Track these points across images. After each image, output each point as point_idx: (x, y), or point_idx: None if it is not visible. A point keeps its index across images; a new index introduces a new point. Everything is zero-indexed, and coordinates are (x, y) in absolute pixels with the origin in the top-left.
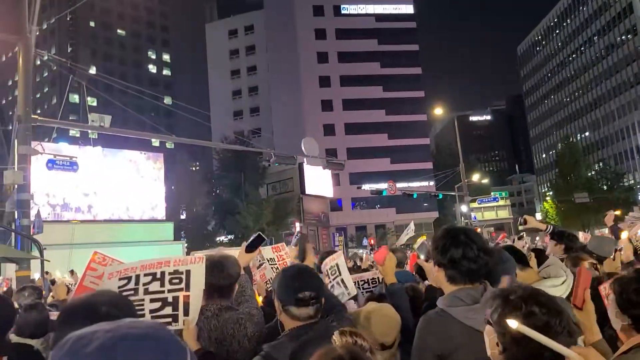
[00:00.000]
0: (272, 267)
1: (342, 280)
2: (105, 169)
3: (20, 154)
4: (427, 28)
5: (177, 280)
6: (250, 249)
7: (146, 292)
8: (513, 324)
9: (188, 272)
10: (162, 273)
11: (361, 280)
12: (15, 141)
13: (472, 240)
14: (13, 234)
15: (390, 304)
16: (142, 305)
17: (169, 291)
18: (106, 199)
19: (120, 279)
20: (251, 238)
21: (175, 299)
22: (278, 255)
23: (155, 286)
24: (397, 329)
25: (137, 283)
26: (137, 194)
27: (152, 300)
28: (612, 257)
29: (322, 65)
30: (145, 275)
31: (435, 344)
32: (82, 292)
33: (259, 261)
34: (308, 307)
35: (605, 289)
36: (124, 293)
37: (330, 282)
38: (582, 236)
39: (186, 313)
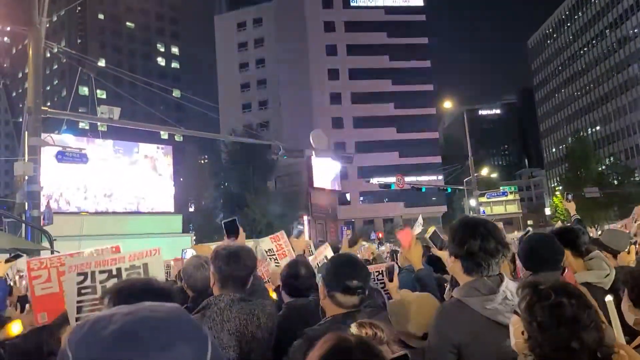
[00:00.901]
0: (270, 258)
1: None
2: (114, 162)
3: (30, 146)
4: (436, 21)
5: (135, 275)
6: (232, 234)
7: (104, 290)
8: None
9: (145, 265)
10: (118, 269)
11: (376, 272)
12: (26, 133)
13: (491, 233)
14: (24, 225)
15: (420, 290)
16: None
17: None
18: (115, 192)
19: (78, 274)
20: (225, 222)
21: None
22: (277, 245)
23: (112, 283)
24: None
25: (93, 280)
26: (146, 186)
27: None
28: (627, 250)
29: (331, 57)
30: (100, 272)
31: (452, 333)
32: (39, 303)
33: (266, 258)
34: (354, 296)
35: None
36: (83, 291)
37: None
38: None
39: None
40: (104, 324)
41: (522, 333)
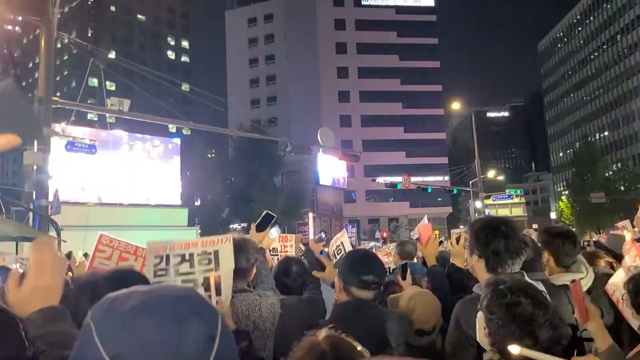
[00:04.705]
0: (273, 257)
1: None
2: (124, 153)
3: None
4: (447, 21)
5: (206, 261)
6: (261, 227)
7: (177, 273)
8: (515, 349)
9: (216, 252)
10: (191, 254)
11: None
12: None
13: (514, 232)
14: (31, 213)
15: (432, 286)
16: None
17: (199, 272)
18: (122, 183)
19: (155, 257)
20: (261, 216)
21: (206, 279)
22: (282, 245)
23: (185, 267)
24: (438, 314)
25: (167, 263)
26: (153, 179)
27: (183, 282)
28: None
29: (341, 55)
30: (174, 255)
31: (472, 327)
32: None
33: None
34: (369, 291)
35: (613, 290)
36: (158, 273)
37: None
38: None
39: (218, 293)
40: (124, 300)
41: (484, 328)
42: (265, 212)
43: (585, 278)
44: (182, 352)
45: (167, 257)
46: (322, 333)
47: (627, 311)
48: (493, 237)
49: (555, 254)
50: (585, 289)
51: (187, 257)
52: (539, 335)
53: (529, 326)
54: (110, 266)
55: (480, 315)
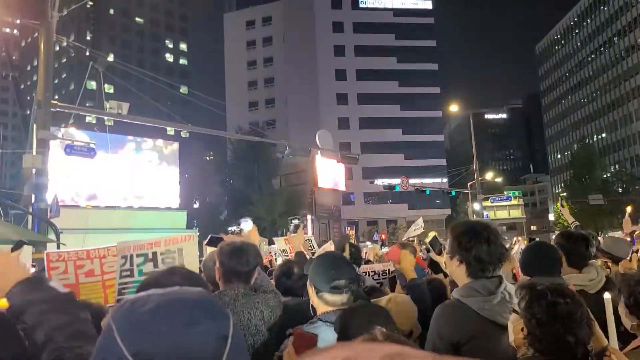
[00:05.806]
0: (284, 258)
1: None
2: (122, 156)
3: (39, 139)
4: (444, 24)
5: (170, 260)
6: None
7: (141, 273)
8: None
9: (180, 250)
10: (154, 253)
11: (371, 271)
12: (34, 126)
13: (496, 237)
14: (29, 216)
15: (412, 298)
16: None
17: None
18: (122, 186)
19: (121, 257)
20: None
21: None
22: (290, 247)
23: (149, 267)
24: (413, 318)
25: (131, 264)
26: (151, 181)
27: None
28: (628, 258)
29: (339, 58)
30: (137, 255)
31: (451, 332)
32: None
33: (270, 253)
34: (342, 295)
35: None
36: (123, 274)
37: None
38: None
39: None
40: (143, 302)
41: (522, 330)
42: (210, 236)
43: (594, 280)
44: (197, 350)
45: (131, 257)
46: (376, 331)
47: (620, 311)
48: (475, 242)
49: (566, 254)
50: (594, 290)
51: (150, 256)
52: (578, 333)
53: (570, 324)
54: (70, 280)
55: (514, 317)
